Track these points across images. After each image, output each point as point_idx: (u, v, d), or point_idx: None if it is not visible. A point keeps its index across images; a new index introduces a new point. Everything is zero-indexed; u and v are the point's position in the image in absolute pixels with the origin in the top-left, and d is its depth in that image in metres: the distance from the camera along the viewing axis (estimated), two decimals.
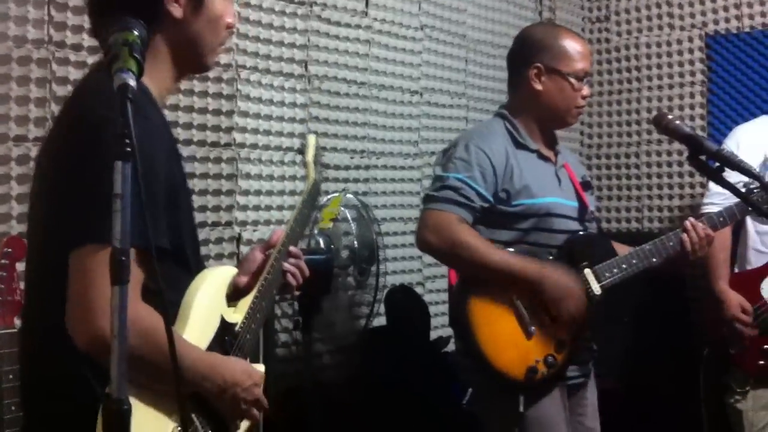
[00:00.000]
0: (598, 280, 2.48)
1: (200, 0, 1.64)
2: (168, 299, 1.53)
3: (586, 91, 2.59)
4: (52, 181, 1.54)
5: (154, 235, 1.42)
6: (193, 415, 1.56)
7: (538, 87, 2.56)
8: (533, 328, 2.42)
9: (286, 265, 1.88)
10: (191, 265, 1.66)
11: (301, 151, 2.25)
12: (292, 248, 1.91)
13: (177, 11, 1.62)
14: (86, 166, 1.45)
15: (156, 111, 1.60)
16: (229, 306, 1.72)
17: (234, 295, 1.79)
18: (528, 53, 2.59)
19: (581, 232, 2.57)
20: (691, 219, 2.58)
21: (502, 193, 2.48)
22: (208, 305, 1.63)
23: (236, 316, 1.72)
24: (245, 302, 1.76)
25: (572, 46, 2.57)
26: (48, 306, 1.51)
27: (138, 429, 1.22)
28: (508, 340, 2.40)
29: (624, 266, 2.51)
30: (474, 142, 2.51)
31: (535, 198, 2.50)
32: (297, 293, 1.99)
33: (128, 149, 1.14)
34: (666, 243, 2.54)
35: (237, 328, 1.71)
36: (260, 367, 1.76)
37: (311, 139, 2.23)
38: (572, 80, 2.54)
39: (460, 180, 2.45)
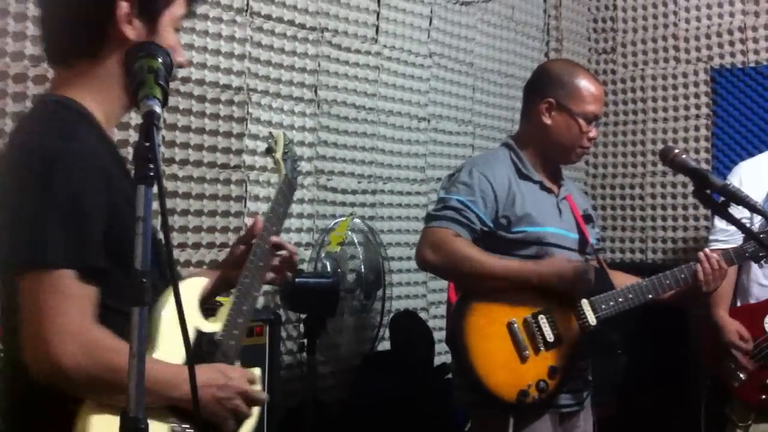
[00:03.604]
0: (594, 312, 2.51)
1: (154, 25, 1.58)
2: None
3: (593, 133, 2.62)
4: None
5: (89, 253, 1.42)
6: (174, 425, 1.54)
7: (547, 121, 2.60)
8: (527, 352, 2.45)
9: (275, 243, 1.86)
10: (153, 281, 1.63)
11: (270, 149, 2.15)
12: (273, 239, 1.87)
13: (131, 32, 1.55)
14: (22, 196, 1.44)
15: (94, 132, 1.55)
16: (208, 316, 1.71)
17: (222, 290, 1.81)
18: (543, 86, 2.64)
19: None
20: (706, 250, 2.61)
21: (502, 219, 2.52)
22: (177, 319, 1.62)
23: (215, 325, 1.70)
24: (224, 310, 1.74)
25: (587, 87, 2.60)
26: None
27: None
28: (502, 362, 2.43)
29: (620, 300, 2.54)
30: (478, 168, 2.56)
31: (535, 226, 2.53)
32: (290, 277, 1.95)
33: (152, 174, 1.17)
34: (663, 281, 2.57)
35: (217, 336, 1.68)
36: (254, 370, 1.72)
37: (280, 137, 2.14)
38: (581, 121, 2.58)
39: (461, 202, 2.50)
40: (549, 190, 2.65)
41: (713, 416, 3.37)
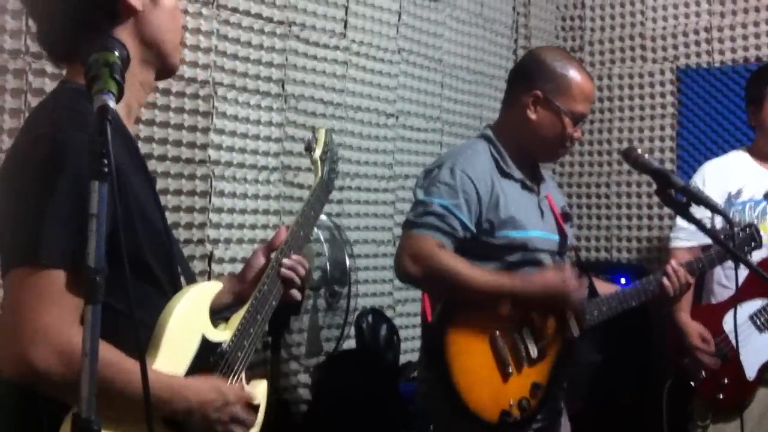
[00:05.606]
0: (579, 322, 2.41)
1: None
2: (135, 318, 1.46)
3: (577, 134, 2.45)
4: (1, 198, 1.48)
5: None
6: None
7: (532, 116, 2.42)
8: (511, 368, 2.32)
9: (284, 271, 1.78)
10: (163, 284, 1.58)
11: (309, 147, 2.01)
12: (286, 261, 1.79)
13: (137, 2, 1.55)
14: (26, 185, 1.40)
15: (118, 128, 1.50)
16: (218, 323, 1.64)
17: (236, 304, 1.73)
18: (531, 76, 2.45)
19: None
20: (673, 263, 2.55)
21: (485, 224, 2.36)
22: (184, 326, 1.54)
23: (224, 333, 1.63)
24: (237, 317, 1.67)
25: (578, 84, 2.41)
26: None
27: None
28: (484, 379, 2.29)
29: (604, 309, 2.45)
30: (459, 167, 2.36)
31: (519, 230, 2.38)
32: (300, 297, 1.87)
33: (105, 170, 1.14)
34: (646, 287, 2.51)
35: (224, 346, 1.61)
36: (258, 385, 1.69)
37: (321, 134, 2.03)
38: (567, 120, 2.40)
39: (444, 207, 2.31)
40: (530, 189, 2.48)
41: (675, 412, 3.41)
